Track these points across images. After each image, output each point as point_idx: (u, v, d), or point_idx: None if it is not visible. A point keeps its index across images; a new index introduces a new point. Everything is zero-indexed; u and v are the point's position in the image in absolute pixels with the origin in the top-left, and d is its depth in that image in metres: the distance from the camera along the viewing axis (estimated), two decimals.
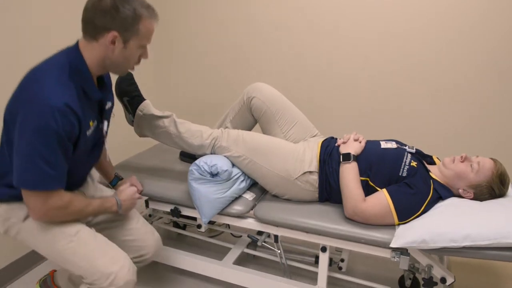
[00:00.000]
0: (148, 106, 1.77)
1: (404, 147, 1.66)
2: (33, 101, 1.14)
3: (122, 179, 1.73)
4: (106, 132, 1.47)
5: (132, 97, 1.77)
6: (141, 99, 1.78)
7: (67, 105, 1.15)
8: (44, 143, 1.14)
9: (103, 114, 1.42)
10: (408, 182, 1.51)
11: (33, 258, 2.03)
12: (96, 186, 1.62)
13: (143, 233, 1.59)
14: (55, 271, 1.74)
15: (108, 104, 1.46)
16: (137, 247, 1.56)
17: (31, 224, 1.32)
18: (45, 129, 1.12)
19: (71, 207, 1.31)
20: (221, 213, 1.69)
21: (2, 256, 1.91)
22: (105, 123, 1.45)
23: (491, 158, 1.54)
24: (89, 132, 1.30)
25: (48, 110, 1.12)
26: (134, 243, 1.55)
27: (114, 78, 1.57)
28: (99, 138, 1.43)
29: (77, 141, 1.25)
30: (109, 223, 1.54)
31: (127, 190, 1.53)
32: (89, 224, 1.44)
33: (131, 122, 1.83)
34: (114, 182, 1.71)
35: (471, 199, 1.53)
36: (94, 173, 1.67)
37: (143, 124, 1.79)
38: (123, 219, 1.56)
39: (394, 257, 1.46)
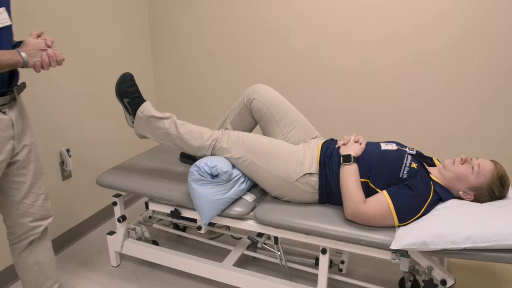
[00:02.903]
0: (149, 107, 1.77)
1: (404, 149, 1.66)
2: None
3: None
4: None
5: (132, 99, 1.77)
6: (141, 100, 1.78)
7: None
8: None
9: None
10: (409, 183, 1.51)
11: None
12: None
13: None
14: None
15: None
16: None
17: None
18: None
19: None
20: (221, 214, 1.69)
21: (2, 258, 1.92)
22: None
23: (491, 160, 1.54)
24: None
25: None
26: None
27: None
28: None
29: None
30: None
31: (30, 39, 1.32)
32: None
33: (131, 124, 1.83)
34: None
35: (471, 201, 1.53)
36: None
37: (143, 126, 1.79)
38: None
39: (395, 259, 1.46)
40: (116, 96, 1.79)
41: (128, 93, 1.76)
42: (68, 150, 2.17)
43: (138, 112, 1.76)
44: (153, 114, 1.76)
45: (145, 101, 1.79)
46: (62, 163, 2.18)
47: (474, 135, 2.26)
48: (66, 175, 2.21)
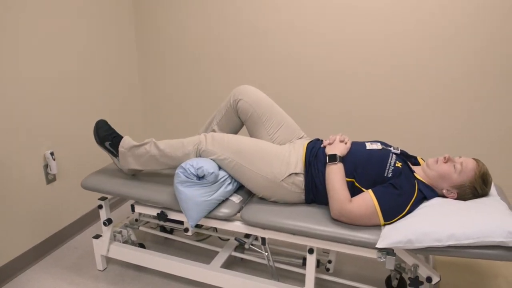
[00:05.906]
0: (128, 140, 1.83)
1: (389, 148, 1.68)
2: None
3: None
4: None
5: (112, 140, 1.84)
6: (120, 138, 1.85)
7: None
8: None
9: None
10: (393, 182, 1.52)
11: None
12: None
13: None
14: None
15: None
16: None
17: None
18: None
19: None
20: (208, 216, 1.68)
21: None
22: None
23: (474, 159, 1.57)
24: None
25: None
26: None
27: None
28: None
29: None
30: None
31: None
32: None
33: (119, 165, 1.88)
34: None
35: (455, 199, 1.55)
36: None
37: (128, 158, 1.82)
38: None
39: (381, 258, 1.47)
40: (98, 144, 1.89)
41: (108, 136, 1.84)
42: (52, 153, 2.14)
43: (120, 148, 1.83)
44: (133, 144, 1.81)
45: (123, 137, 1.85)
46: (46, 166, 2.14)
47: (458, 134, 2.29)
48: (50, 178, 2.18)
